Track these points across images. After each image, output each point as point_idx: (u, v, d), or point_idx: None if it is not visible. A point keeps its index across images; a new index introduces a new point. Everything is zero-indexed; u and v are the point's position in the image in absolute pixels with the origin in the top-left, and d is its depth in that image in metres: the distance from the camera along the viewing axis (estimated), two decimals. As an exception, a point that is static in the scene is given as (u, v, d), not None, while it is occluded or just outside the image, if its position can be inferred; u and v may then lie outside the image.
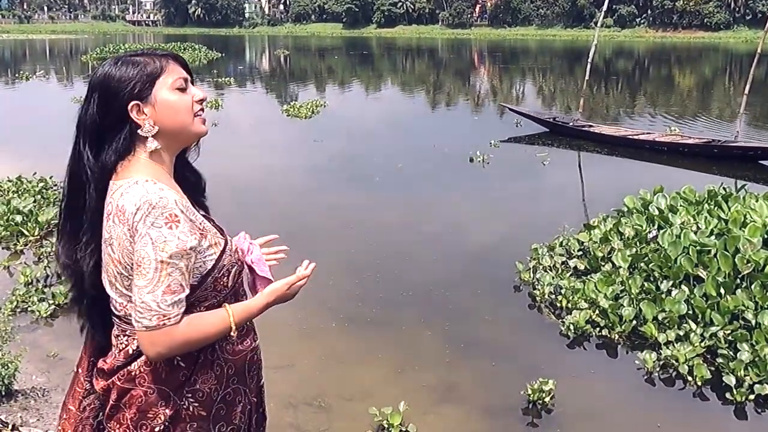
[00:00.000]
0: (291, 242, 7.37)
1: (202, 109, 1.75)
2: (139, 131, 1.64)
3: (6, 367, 3.87)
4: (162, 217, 1.55)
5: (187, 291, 1.61)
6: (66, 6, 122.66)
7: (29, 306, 5.31)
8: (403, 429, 3.81)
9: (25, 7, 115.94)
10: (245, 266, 1.87)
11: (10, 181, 8.59)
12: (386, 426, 3.81)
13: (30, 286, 5.63)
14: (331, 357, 4.84)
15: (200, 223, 1.66)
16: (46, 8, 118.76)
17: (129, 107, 1.63)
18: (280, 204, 9.06)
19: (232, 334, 1.69)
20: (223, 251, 1.70)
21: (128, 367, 1.68)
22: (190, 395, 1.68)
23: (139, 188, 1.58)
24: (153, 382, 1.66)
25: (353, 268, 6.57)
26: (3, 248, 6.82)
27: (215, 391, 1.72)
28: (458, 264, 6.75)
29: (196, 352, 1.68)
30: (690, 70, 37.21)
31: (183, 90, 1.70)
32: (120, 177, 1.63)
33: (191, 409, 1.68)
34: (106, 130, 1.64)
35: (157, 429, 1.66)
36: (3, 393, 3.87)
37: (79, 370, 1.84)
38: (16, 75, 27.58)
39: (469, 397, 4.30)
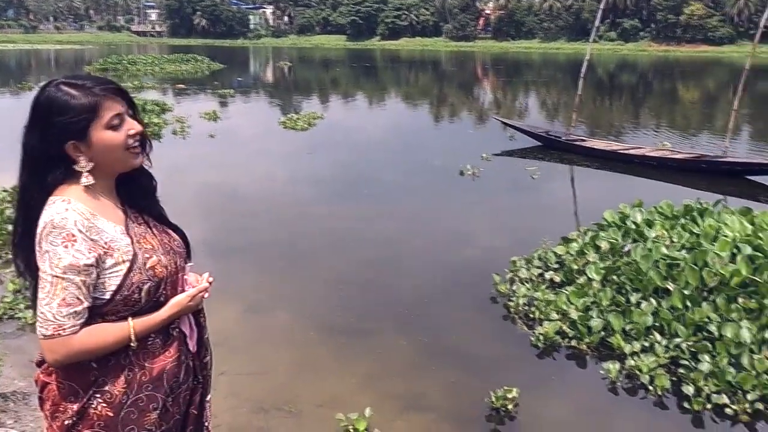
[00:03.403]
0: (276, 252, 7.53)
1: (138, 142, 1.86)
2: (74, 166, 1.79)
3: (-14, 371, 4.02)
4: (59, 237, 1.70)
5: (86, 304, 1.74)
6: (71, 16, 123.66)
7: (16, 313, 5.46)
8: (368, 434, 3.95)
9: (31, 17, 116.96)
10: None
11: (5, 191, 8.75)
12: (352, 431, 3.94)
13: (18, 294, 5.77)
14: (306, 364, 4.98)
15: (106, 243, 1.77)
16: (51, 18, 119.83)
17: (66, 146, 1.77)
18: (267, 214, 9.21)
19: (132, 344, 1.81)
20: (130, 269, 1.79)
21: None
22: (98, 395, 1.79)
23: (51, 208, 1.74)
24: (65, 379, 1.80)
25: (336, 278, 6.71)
26: (-5, 257, 6.97)
27: (125, 395, 1.81)
28: (440, 276, 6.89)
29: (108, 355, 1.81)
30: (692, 84, 37.34)
31: (117, 127, 1.81)
32: (52, 194, 1.79)
33: (99, 408, 1.79)
34: (48, 161, 1.79)
35: (66, 423, 1.80)
36: (-17, 396, 4.02)
37: None
38: (20, 85, 27.84)
39: (436, 405, 4.42)
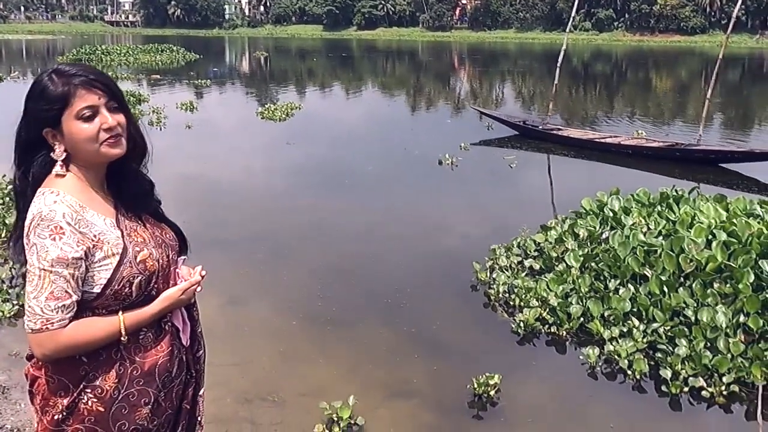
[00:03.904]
0: (257, 243, 7.48)
1: (115, 135, 1.80)
2: (51, 154, 1.78)
3: (-35, 365, 3.97)
4: (48, 229, 1.68)
5: (75, 297, 1.71)
6: (43, 6, 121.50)
7: (-7, 306, 5.39)
8: (352, 422, 3.97)
9: (1, 6, 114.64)
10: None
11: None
12: (336, 419, 3.97)
13: (-6, 288, 5.71)
14: (290, 354, 4.99)
15: (95, 235, 1.75)
16: (22, 8, 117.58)
17: (45, 133, 1.77)
18: (247, 206, 9.17)
19: (122, 339, 1.79)
20: (120, 262, 1.77)
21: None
22: (89, 390, 1.77)
23: (39, 200, 1.72)
24: (54, 373, 1.78)
25: (317, 268, 6.72)
26: (-30, 250, 6.87)
27: (116, 390, 1.79)
28: (420, 265, 6.92)
29: (99, 350, 1.78)
30: (666, 73, 37.71)
31: (89, 118, 1.76)
32: (42, 185, 1.77)
33: (90, 403, 1.77)
34: (29, 146, 1.79)
35: (56, 417, 1.78)
36: (-37, 390, 3.98)
37: None
38: (-10, 76, 27.34)
39: (419, 392, 4.46)
